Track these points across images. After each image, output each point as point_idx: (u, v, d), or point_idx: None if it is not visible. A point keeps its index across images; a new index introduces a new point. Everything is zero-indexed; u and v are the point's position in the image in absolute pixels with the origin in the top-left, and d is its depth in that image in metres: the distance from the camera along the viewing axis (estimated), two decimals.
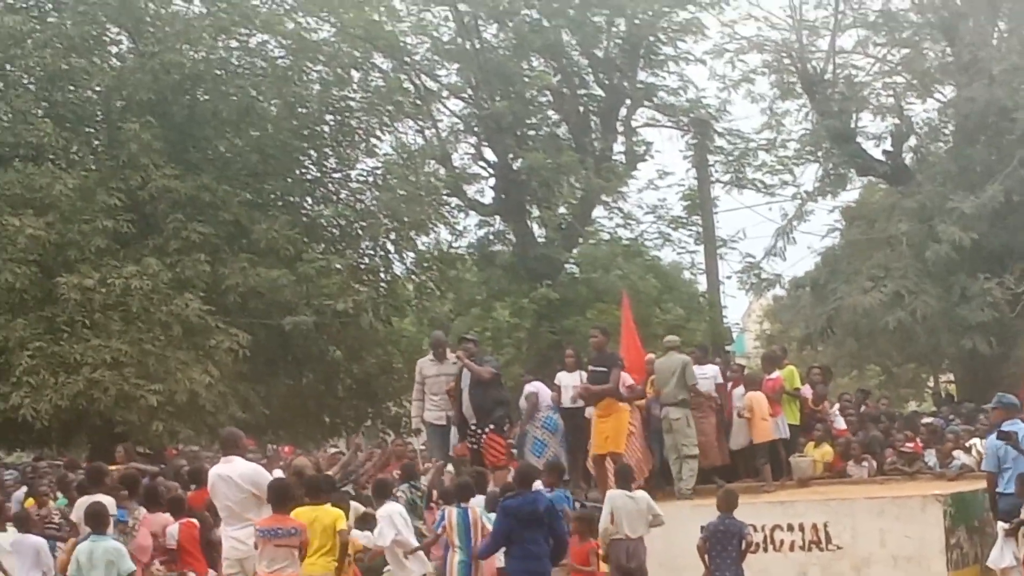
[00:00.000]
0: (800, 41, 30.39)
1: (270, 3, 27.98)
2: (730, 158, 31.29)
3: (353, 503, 15.23)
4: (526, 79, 29.31)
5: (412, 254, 29.20)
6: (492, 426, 17.82)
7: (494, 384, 18.16)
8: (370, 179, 28.72)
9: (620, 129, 30.79)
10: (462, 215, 30.30)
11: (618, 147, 30.72)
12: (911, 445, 18.89)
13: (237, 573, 12.80)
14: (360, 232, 28.26)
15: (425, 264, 29.42)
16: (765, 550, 15.86)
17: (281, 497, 12.34)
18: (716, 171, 31.16)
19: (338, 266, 26.10)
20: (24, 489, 18.46)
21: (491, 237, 30.49)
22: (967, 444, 18.50)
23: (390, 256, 28.95)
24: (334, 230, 28.29)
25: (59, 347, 22.70)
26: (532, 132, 29.95)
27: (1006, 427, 14.60)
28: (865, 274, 27.37)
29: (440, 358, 18.61)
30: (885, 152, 30.19)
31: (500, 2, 29.01)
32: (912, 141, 30.43)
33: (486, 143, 30.02)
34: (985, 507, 15.34)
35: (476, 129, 30.10)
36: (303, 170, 28.54)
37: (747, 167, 31.31)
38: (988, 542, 15.19)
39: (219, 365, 23.64)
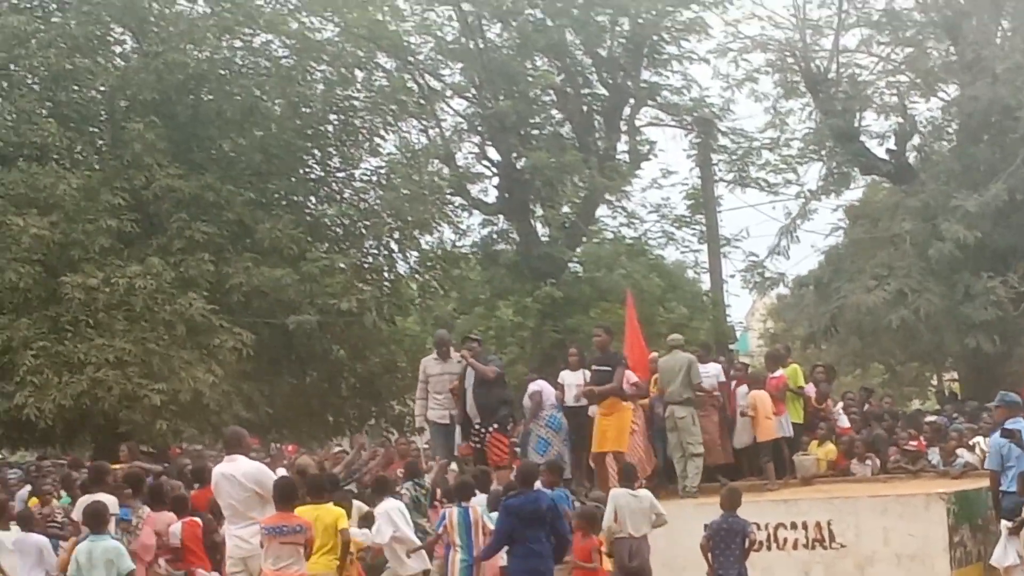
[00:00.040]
0: (804, 40, 30.34)
1: (274, 3, 28.03)
2: (734, 157, 31.27)
3: (356, 502, 15.24)
4: (530, 78, 29.33)
5: (416, 253, 29.25)
6: (496, 425, 17.85)
7: (498, 383, 18.18)
8: (374, 178, 28.75)
9: (624, 128, 30.79)
10: (466, 214, 30.39)
11: (622, 146, 30.74)
12: (915, 443, 18.91)
13: (241, 572, 12.80)
14: (364, 231, 28.27)
15: (429, 263, 29.45)
16: (769, 548, 15.90)
17: (286, 495, 12.36)
18: (720, 170, 31.16)
19: (342, 265, 26.11)
20: (28, 488, 18.48)
21: (495, 236, 30.50)
22: (971, 442, 18.48)
23: (394, 255, 29.01)
24: (338, 229, 28.30)
25: (63, 346, 22.73)
26: (536, 131, 29.96)
27: (1009, 425, 14.61)
28: (869, 273, 27.34)
29: (444, 357, 18.62)
30: (889, 151, 30.15)
31: (504, 1, 29.02)
32: (916, 140, 30.39)
33: (490, 142, 30.03)
34: (988, 505, 15.34)
35: (480, 128, 30.11)
36: (307, 169, 28.59)
37: (751, 166, 31.28)
38: (992, 540, 15.18)
39: (223, 364, 23.67)
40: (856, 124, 30.02)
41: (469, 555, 14.16)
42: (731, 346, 29.23)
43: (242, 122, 26.56)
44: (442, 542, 14.72)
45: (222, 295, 24.63)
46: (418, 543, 14.85)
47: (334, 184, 29.11)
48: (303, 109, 27.40)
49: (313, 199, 28.72)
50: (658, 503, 14.81)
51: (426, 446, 21.24)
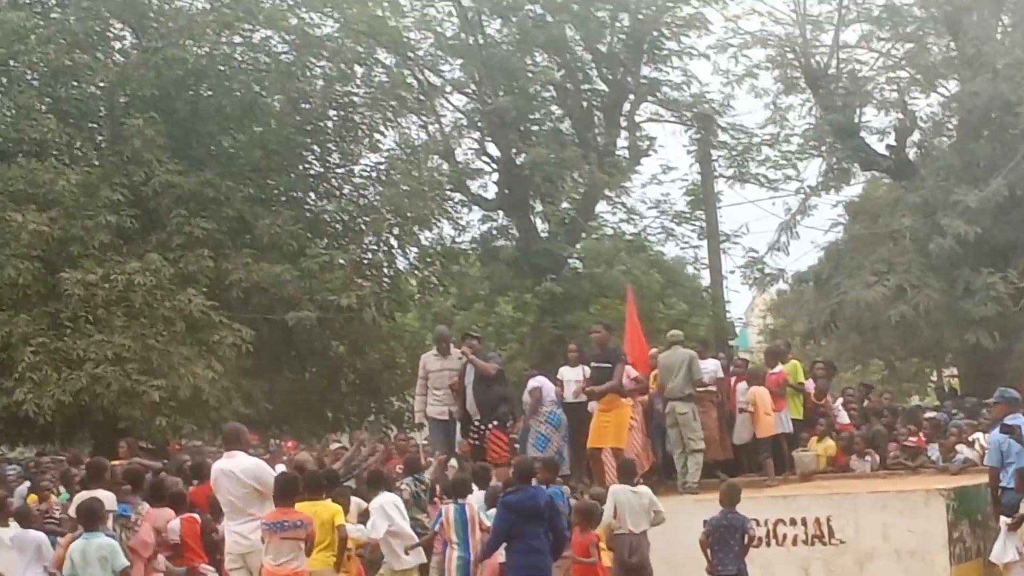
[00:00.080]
0: (804, 36, 30.34)
1: None
2: (733, 153, 31.25)
3: (354, 498, 15.20)
4: (529, 74, 29.31)
5: (415, 249, 29.24)
6: (495, 422, 17.88)
7: (498, 381, 18.21)
8: (373, 174, 28.78)
9: (623, 124, 30.78)
10: (465, 210, 30.35)
11: (621, 142, 30.73)
12: (914, 439, 18.91)
13: (240, 568, 12.80)
14: (363, 227, 28.27)
15: (428, 259, 29.43)
16: (768, 544, 15.88)
17: (287, 490, 12.36)
18: (719, 166, 31.14)
19: (341, 261, 26.10)
20: (27, 484, 18.49)
21: (494, 232, 30.48)
22: (970, 438, 18.51)
23: (393, 251, 28.99)
24: (337, 225, 28.31)
25: (62, 343, 22.72)
26: (535, 127, 29.93)
27: (1008, 421, 14.58)
28: (868, 269, 27.34)
29: (444, 353, 18.64)
30: (889, 147, 30.15)
31: None
32: (916, 136, 30.40)
33: (489, 138, 30.01)
34: (988, 501, 15.33)
35: (479, 124, 30.09)
36: (306, 165, 28.58)
37: (750, 162, 31.28)
38: (991, 536, 15.16)
39: (222, 360, 23.66)
40: (856, 120, 30.03)
41: (466, 552, 14.14)
42: (731, 342, 29.21)
43: (241, 118, 26.57)
44: (439, 539, 14.71)
45: (221, 291, 24.63)
46: (414, 536, 14.84)
47: (333, 180, 29.11)
48: (302, 105, 27.39)
49: (312, 195, 28.72)
50: (657, 500, 14.82)
51: (425, 442, 21.24)
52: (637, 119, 31.02)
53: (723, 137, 31.02)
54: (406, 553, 14.68)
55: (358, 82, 28.45)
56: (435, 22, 29.81)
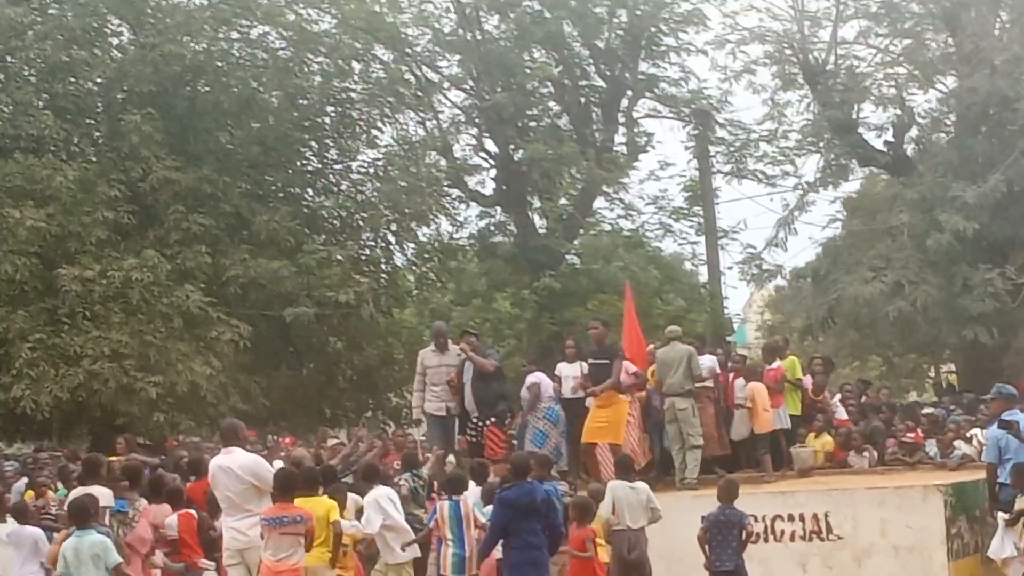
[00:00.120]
0: (802, 32, 30.29)
1: None
2: (731, 149, 31.20)
3: (351, 495, 15.16)
4: (527, 70, 29.26)
5: (413, 245, 29.26)
6: (493, 419, 17.86)
7: (497, 377, 18.21)
8: (371, 170, 28.79)
9: (621, 120, 30.74)
10: (463, 206, 30.34)
11: (619, 138, 30.68)
12: (912, 435, 18.89)
13: (238, 564, 12.81)
14: (361, 223, 28.28)
15: (426, 255, 29.45)
16: (766, 540, 15.90)
17: (286, 486, 12.37)
18: (717, 162, 31.09)
19: (339, 257, 26.12)
20: (24, 480, 18.48)
21: (492, 228, 30.45)
22: (968, 434, 18.50)
23: (391, 247, 29.01)
24: (335, 221, 28.32)
25: (59, 339, 22.72)
26: (533, 123, 29.89)
27: (1006, 417, 14.58)
28: (866, 264, 27.30)
29: (442, 348, 18.63)
30: (886, 143, 30.12)
31: None
32: (914, 132, 30.34)
33: (487, 134, 29.98)
34: (986, 497, 15.32)
35: (477, 120, 30.06)
36: (304, 161, 28.59)
37: (748, 158, 31.21)
38: (989, 532, 15.17)
39: (220, 356, 23.68)
40: (854, 116, 29.97)
41: (461, 549, 14.11)
42: (728, 338, 29.22)
43: (239, 114, 26.58)
44: (436, 535, 14.69)
45: (219, 287, 24.64)
46: (409, 529, 14.82)
47: (331, 176, 29.12)
48: (300, 101, 27.41)
49: (310, 191, 28.73)
50: (654, 497, 14.81)
51: (423, 438, 21.24)
52: (635, 115, 31.00)
53: (721, 133, 30.98)
54: (402, 549, 14.66)
55: (356, 78, 28.47)
56: (433, 18, 29.78)
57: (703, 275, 30.91)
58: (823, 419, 18.88)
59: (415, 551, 14.91)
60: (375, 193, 28.23)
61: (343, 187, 28.81)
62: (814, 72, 30.02)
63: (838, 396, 20.57)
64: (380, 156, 28.67)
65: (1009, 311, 26.20)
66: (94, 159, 25.12)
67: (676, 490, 17.00)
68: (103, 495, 13.23)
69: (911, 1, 30.11)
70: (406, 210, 27.37)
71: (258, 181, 26.61)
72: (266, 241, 25.18)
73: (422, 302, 29.82)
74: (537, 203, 29.49)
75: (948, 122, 30.29)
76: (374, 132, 28.78)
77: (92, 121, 26.49)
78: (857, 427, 19.33)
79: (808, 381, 19.18)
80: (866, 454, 18.51)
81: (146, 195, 24.74)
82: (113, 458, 16.39)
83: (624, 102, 30.64)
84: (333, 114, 28.53)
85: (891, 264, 26.74)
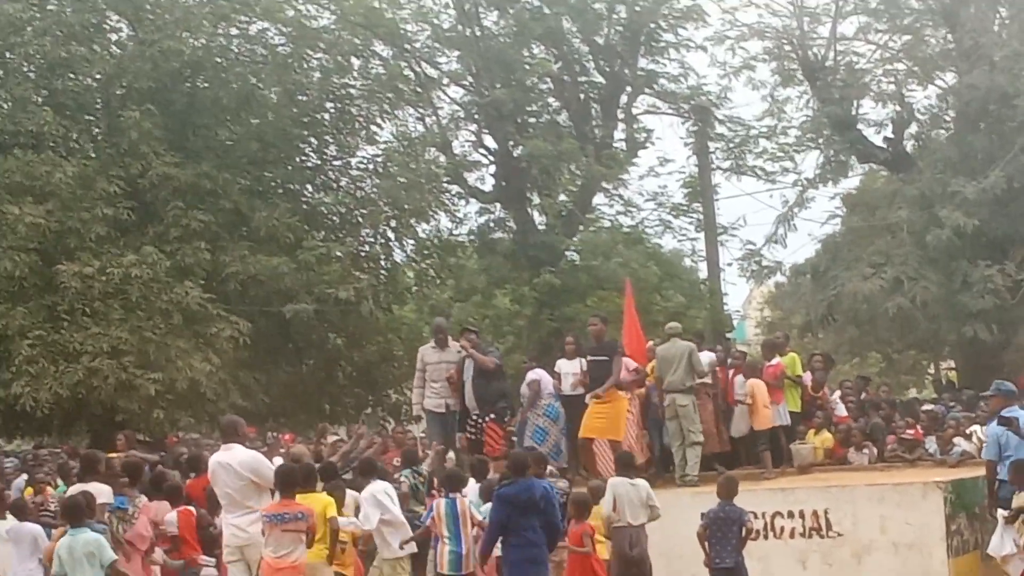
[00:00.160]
0: (801, 28, 30.29)
1: None
2: (731, 145, 31.22)
3: (350, 491, 15.15)
4: (527, 66, 29.24)
5: (412, 241, 29.26)
6: (492, 416, 17.84)
7: (497, 375, 18.21)
8: (370, 167, 28.76)
9: (621, 116, 30.74)
10: (462, 202, 30.34)
11: (619, 134, 30.67)
12: (912, 432, 18.88)
13: (238, 560, 12.81)
14: (360, 220, 28.26)
15: (425, 252, 29.45)
16: (765, 537, 15.89)
17: (288, 482, 12.36)
18: (717, 158, 31.11)
19: (338, 254, 26.11)
20: (24, 477, 18.47)
21: (491, 224, 30.45)
22: (968, 431, 18.48)
23: (390, 244, 29.00)
24: (334, 218, 28.29)
25: (59, 335, 22.71)
26: (532, 119, 29.89)
27: (1006, 413, 14.57)
28: (866, 261, 27.31)
29: (442, 345, 18.62)
30: (886, 139, 30.12)
31: None
32: (913, 128, 30.35)
33: (486, 130, 29.98)
34: (985, 494, 15.31)
35: (476, 116, 30.05)
36: (303, 158, 28.55)
37: (748, 154, 31.23)
38: (988, 529, 15.16)
39: (219, 353, 23.67)
40: (853, 112, 29.98)
41: (457, 546, 14.06)
42: (728, 335, 29.21)
43: (238, 110, 26.55)
44: (433, 533, 14.67)
45: (218, 284, 24.63)
46: (406, 523, 14.81)
47: (330, 172, 29.09)
48: (299, 97, 27.37)
49: (310, 187, 28.70)
50: (654, 495, 14.77)
51: (423, 435, 21.24)
52: (634, 111, 31.02)
53: (720, 129, 31.00)
54: (401, 547, 14.64)
55: (355, 74, 28.43)
56: (432, 14, 29.77)
57: (703, 271, 30.94)
58: (823, 416, 18.86)
59: (413, 548, 14.89)
60: (374, 189, 28.21)
61: (342, 183, 28.79)
62: (813, 68, 30.02)
63: (838, 393, 20.54)
64: (379, 152, 28.68)
65: (1008, 307, 26.22)
66: (93, 155, 25.10)
67: (675, 487, 16.99)
68: (102, 492, 13.23)
69: None
70: (405, 206, 27.36)
71: (257, 177, 26.57)
72: (265, 237, 25.16)
73: (422, 298, 29.82)
74: (536, 199, 29.48)
75: (947, 118, 30.29)
76: (373, 128, 28.77)
77: (91, 117, 26.45)
78: (857, 424, 19.32)
79: (808, 378, 19.17)
80: (866, 451, 18.51)
81: (145, 191, 24.71)
82: (113, 455, 16.40)
83: (623, 98, 30.65)
84: (332, 110, 28.51)
85: (891, 260, 26.75)
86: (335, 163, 29.15)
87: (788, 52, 30.62)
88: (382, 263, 28.75)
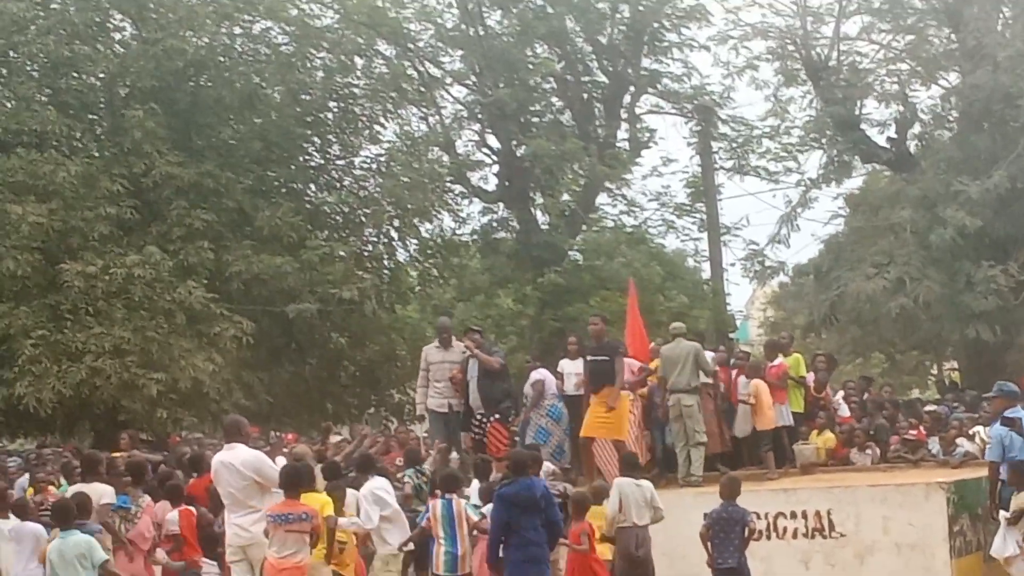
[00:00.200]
0: (804, 28, 30.27)
1: None
2: (734, 145, 31.25)
3: (351, 490, 15.13)
4: (530, 66, 29.27)
5: (415, 241, 29.25)
6: (497, 416, 17.84)
7: (501, 375, 18.20)
8: (373, 166, 28.75)
9: (624, 116, 30.76)
10: (465, 202, 30.38)
11: (622, 134, 30.71)
12: (915, 433, 18.87)
13: (240, 560, 12.80)
14: (363, 219, 28.27)
15: (428, 251, 29.46)
16: (768, 537, 15.88)
17: (293, 482, 12.36)
18: (720, 158, 31.13)
19: (341, 253, 26.11)
20: (27, 476, 18.47)
21: (494, 224, 30.48)
22: (971, 432, 18.45)
23: (393, 243, 29.01)
24: (337, 217, 28.29)
25: (62, 335, 22.68)
26: (536, 119, 29.91)
27: (1009, 414, 14.57)
28: (869, 261, 27.27)
29: (445, 344, 18.62)
30: (889, 139, 30.09)
31: None
32: (916, 128, 30.31)
33: (490, 130, 30.00)
34: (987, 495, 15.30)
35: (480, 116, 30.07)
36: (306, 157, 28.56)
37: (751, 154, 31.27)
38: (991, 530, 15.14)
39: (222, 352, 23.66)
40: (857, 112, 29.95)
41: (453, 547, 14.01)
42: (731, 335, 29.22)
43: (241, 109, 26.55)
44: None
45: (221, 283, 24.62)
46: (404, 517, 14.78)
47: (334, 172, 29.09)
48: (303, 96, 27.38)
49: (313, 187, 28.69)
50: (657, 496, 14.75)
51: (426, 435, 21.24)
52: (637, 111, 31.03)
53: (723, 129, 31.03)
54: (400, 549, 14.63)
55: (358, 73, 28.44)
56: (435, 13, 29.81)
57: (706, 272, 30.95)
58: (826, 416, 18.84)
59: (409, 545, 14.85)
60: (378, 189, 28.20)
61: (345, 183, 28.78)
62: (817, 68, 30.00)
63: (840, 393, 20.52)
64: (383, 152, 28.66)
65: (1012, 308, 26.19)
66: (96, 154, 25.09)
67: (678, 487, 16.99)
68: (104, 492, 13.24)
69: None
70: (408, 206, 27.37)
71: (260, 177, 26.57)
72: (268, 237, 25.17)
73: (425, 298, 29.82)
74: (539, 199, 29.50)
75: (951, 118, 30.24)
76: (376, 128, 28.76)
77: (94, 116, 26.45)
78: (860, 424, 19.30)
79: (810, 378, 19.16)
80: (869, 451, 18.48)
81: (148, 191, 24.72)
82: (116, 454, 16.41)
83: (627, 98, 30.68)
84: (335, 110, 28.51)
85: (894, 260, 26.72)
86: (338, 162, 29.16)
87: (791, 52, 30.60)
88: (385, 263, 28.77)
